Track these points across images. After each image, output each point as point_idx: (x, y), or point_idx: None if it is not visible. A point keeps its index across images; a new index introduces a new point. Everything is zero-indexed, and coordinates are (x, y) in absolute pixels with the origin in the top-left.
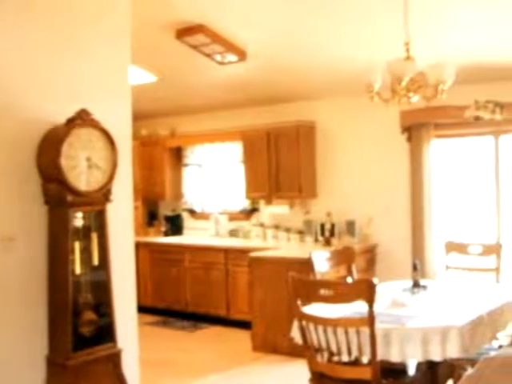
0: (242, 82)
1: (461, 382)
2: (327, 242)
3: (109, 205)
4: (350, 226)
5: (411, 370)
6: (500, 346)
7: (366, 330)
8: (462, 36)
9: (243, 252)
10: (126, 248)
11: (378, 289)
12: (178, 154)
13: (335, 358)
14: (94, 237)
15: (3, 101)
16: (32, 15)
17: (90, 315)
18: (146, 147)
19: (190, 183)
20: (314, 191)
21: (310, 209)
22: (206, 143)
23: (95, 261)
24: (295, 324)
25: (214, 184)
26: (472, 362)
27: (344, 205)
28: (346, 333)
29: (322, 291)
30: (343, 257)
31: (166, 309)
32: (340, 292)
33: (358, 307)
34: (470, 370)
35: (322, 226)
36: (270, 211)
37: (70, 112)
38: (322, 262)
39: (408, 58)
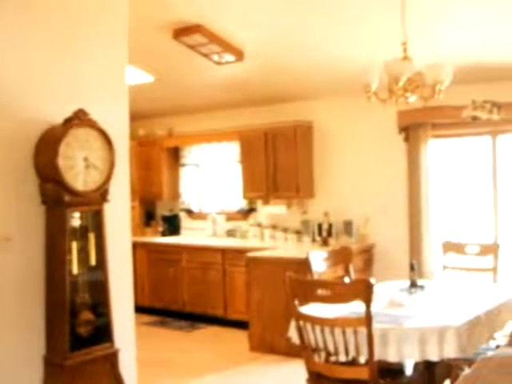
0: (240, 82)
1: (458, 382)
2: (324, 242)
3: (106, 205)
4: (348, 226)
5: (408, 370)
6: (497, 346)
7: (363, 330)
8: (460, 36)
9: (240, 252)
10: (124, 248)
11: (375, 289)
12: (175, 154)
13: (332, 358)
14: (92, 237)
15: (0, 101)
16: (30, 15)
17: (87, 315)
18: (143, 147)
19: (188, 183)
20: (312, 191)
21: (307, 209)
22: (204, 143)
23: (92, 261)
24: (292, 324)
25: (211, 184)
26: (469, 362)
27: (341, 205)
28: (344, 333)
29: (320, 291)
30: (340, 257)
31: (163, 309)
32: (337, 292)
33: (356, 307)
34: (467, 370)
35: (320, 226)
36: (268, 211)
37: (68, 112)
38: (320, 262)
39: (405, 57)
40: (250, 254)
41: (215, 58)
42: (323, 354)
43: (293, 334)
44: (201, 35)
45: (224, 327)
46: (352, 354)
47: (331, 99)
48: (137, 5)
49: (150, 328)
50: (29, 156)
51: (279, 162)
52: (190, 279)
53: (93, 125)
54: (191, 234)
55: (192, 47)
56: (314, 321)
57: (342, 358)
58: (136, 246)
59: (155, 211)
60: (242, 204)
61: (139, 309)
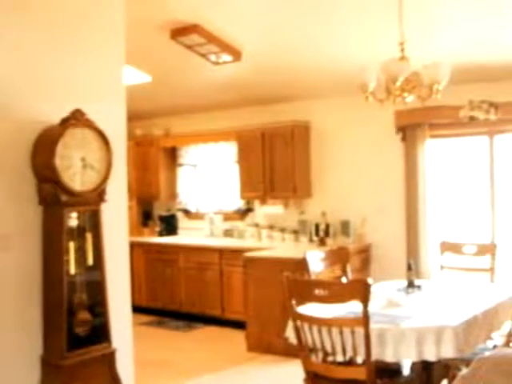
0: (237, 82)
1: (455, 382)
2: (322, 242)
3: (103, 205)
4: (345, 226)
5: (406, 370)
6: (495, 346)
7: (360, 330)
8: (457, 36)
9: (238, 252)
10: (121, 248)
11: (372, 289)
12: (172, 154)
13: (330, 358)
14: (89, 237)
15: None
16: (26, 15)
17: (84, 315)
18: (140, 147)
19: (185, 183)
20: (309, 191)
21: (304, 209)
22: (201, 143)
23: (90, 261)
24: (290, 324)
25: (208, 184)
26: (466, 362)
27: (339, 205)
28: (341, 333)
29: (317, 291)
30: (338, 257)
31: (160, 309)
32: (335, 292)
33: (353, 307)
34: (464, 370)
35: (317, 226)
36: (265, 211)
37: (65, 112)
38: (317, 262)
39: (403, 57)
40: (248, 254)
41: (212, 58)
42: (320, 354)
43: (290, 334)
44: (198, 35)
45: (221, 327)
46: (349, 353)
47: (329, 99)
48: (134, 5)
49: (147, 328)
50: (26, 156)
51: (276, 162)
52: (188, 279)
53: (90, 125)
54: (188, 234)
55: (189, 47)
56: (311, 321)
57: (340, 358)
58: (133, 246)
59: (152, 211)
60: (240, 204)
61: (136, 309)
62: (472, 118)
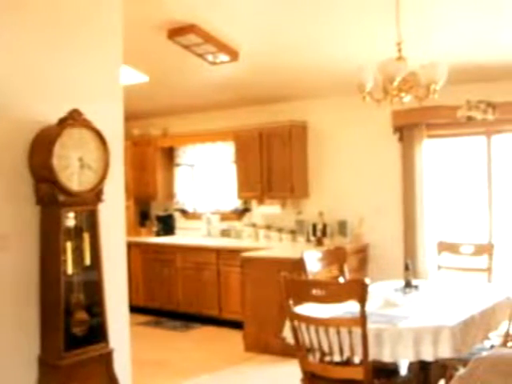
0: (234, 82)
1: (452, 382)
2: (319, 242)
3: (101, 205)
4: (342, 226)
5: (403, 370)
6: (492, 346)
7: (357, 330)
8: (454, 36)
9: (235, 252)
10: (118, 248)
11: (369, 289)
12: (170, 154)
13: (327, 358)
14: (86, 237)
15: None
16: (23, 15)
17: (81, 315)
18: (137, 147)
19: (182, 183)
20: (306, 191)
21: (301, 209)
22: (198, 143)
23: (87, 261)
24: (287, 324)
25: (205, 184)
26: (464, 362)
27: (336, 205)
28: (338, 333)
29: (314, 291)
30: (335, 257)
31: (157, 309)
32: (332, 292)
33: (350, 307)
34: (461, 370)
35: (314, 226)
36: (262, 211)
37: (62, 112)
38: (314, 262)
39: (400, 58)
40: (245, 254)
41: (210, 58)
42: (318, 354)
43: (287, 334)
44: (195, 35)
45: (219, 327)
46: (346, 353)
47: (326, 99)
48: (131, 5)
49: (144, 328)
50: (23, 156)
51: (274, 162)
52: (185, 279)
53: (87, 125)
54: (186, 234)
55: (186, 47)
56: (308, 321)
57: (337, 357)
58: (130, 246)
59: (150, 211)
60: (237, 204)
61: (134, 309)
62: (469, 118)
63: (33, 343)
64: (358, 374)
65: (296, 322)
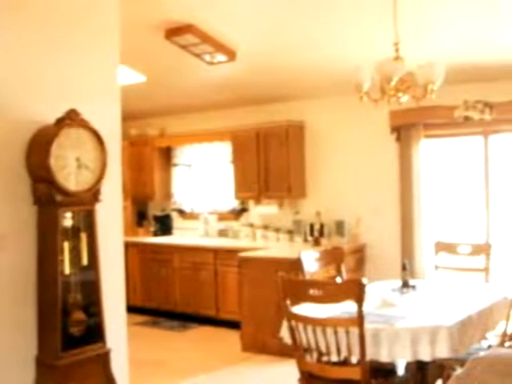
0: (232, 82)
1: (450, 382)
2: (316, 242)
3: (98, 205)
4: (340, 226)
5: (400, 370)
6: (489, 346)
7: (355, 330)
8: (452, 36)
9: (232, 252)
10: (116, 248)
11: (367, 289)
12: (167, 154)
13: (324, 358)
14: (83, 237)
15: None
16: (21, 16)
17: (79, 315)
18: (135, 147)
19: (180, 183)
20: (304, 191)
21: (299, 209)
22: (196, 143)
23: (84, 261)
24: (284, 324)
25: (203, 184)
26: (461, 362)
27: (333, 205)
28: (336, 333)
29: (312, 291)
30: (332, 257)
31: (155, 309)
32: (329, 292)
33: (348, 307)
34: (459, 370)
35: (312, 226)
36: (260, 211)
37: (59, 112)
38: (312, 262)
39: (397, 58)
40: (242, 254)
41: (207, 58)
42: (315, 354)
43: (285, 334)
44: (193, 35)
45: (216, 327)
46: (344, 353)
47: (323, 99)
48: (128, 5)
49: (141, 328)
50: (21, 156)
51: (271, 162)
52: (182, 279)
53: (85, 125)
54: (183, 234)
55: (184, 47)
56: (305, 321)
57: (334, 357)
58: (128, 246)
59: (147, 211)
60: (234, 204)
61: (131, 309)
62: (467, 118)
63: (30, 343)
64: (355, 374)
65: (293, 322)
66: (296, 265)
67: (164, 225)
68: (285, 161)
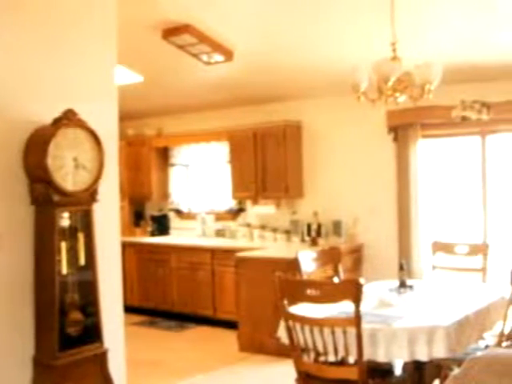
0: (229, 82)
1: (447, 382)
2: (314, 242)
3: (95, 205)
4: (337, 226)
5: (398, 370)
6: (486, 346)
7: (352, 330)
8: (449, 36)
9: (230, 252)
10: (113, 248)
11: (364, 289)
12: (164, 154)
13: (322, 358)
14: (81, 237)
15: None
16: (18, 16)
17: (76, 315)
18: (132, 147)
19: (177, 183)
20: (301, 191)
21: (296, 209)
22: (193, 143)
23: (82, 261)
24: (282, 324)
25: (200, 184)
26: (458, 362)
27: (331, 205)
28: (333, 333)
29: (309, 291)
30: (330, 257)
31: (152, 309)
32: (326, 292)
33: (345, 307)
34: (456, 370)
35: (309, 226)
36: (257, 211)
37: (57, 112)
38: (309, 262)
39: (394, 58)
40: (239, 254)
41: (204, 58)
42: (312, 354)
43: (282, 334)
44: (190, 35)
45: (213, 327)
46: (341, 353)
47: (320, 99)
48: (126, 5)
49: (139, 328)
50: (18, 156)
51: (268, 162)
52: (180, 279)
53: (82, 125)
54: (180, 234)
55: (181, 47)
56: (303, 321)
57: (331, 357)
58: (125, 246)
59: (144, 211)
60: (231, 204)
61: (128, 309)
62: (464, 118)
63: (27, 343)
64: (352, 373)
65: (291, 322)
66: (293, 265)
67: (161, 225)
68: (282, 161)
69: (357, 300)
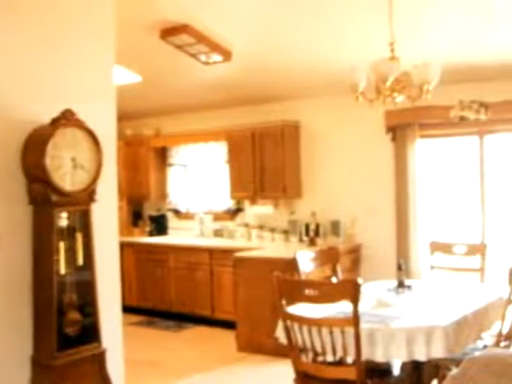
0: (227, 82)
1: (445, 382)
2: (312, 242)
3: (93, 205)
4: (335, 226)
5: (396, 370)
6: (485, 346)
7: (350, 330)
8: (447, 36)
9: (228, 252)
10: (111, 248)
11: (362, 289)
12: (162, 154)
13: (320, 358)
14: (79, 237)
15: None
16: (16, 15)
17: (74, 315)
18: (130, 147)
19: (175, 183)
20: (299, 191)
21: (294, 209)
22: (191, 143)
23: (80, 261)
24: (280, 324)
25: (198, 184)
26: (457, 362)
27: (329, 205)
28: (331, 333)
29: (307, 291)
30: (328, 257)
31: (150, 309)
32: (325, 292)
33: (343, 307)
34: (454, 370)
35: (307, 226)
36: (255, 211)
37: (55, 112)
38: (307, 262)
39: (393, 57)
40: (238, 254)
41: (203, 58)
42: (310, 354)
43: (280, 334)
44: (188, 35)
45: (211, 327)
46: (339, 353)
47: (318, 99)
48: (124, 5)
49: (137, 328)
50: (16, 156)
51: (266, 162)
52: (178, 279)
53: (80, 125)
54: (178, 234)
55: (179, 47)
56: (301, 321)
57: (330, 357)
58: (123, 246)
59: (142, 211)
60: (230, 204)
61: (126, 309)
62: (462, 118)
63: (25, 343)
64: (350, 373)
65: (289, 322)
66: (291, 265)
67: (159, 225)
68: (280, 161)
69: (355, 300)
